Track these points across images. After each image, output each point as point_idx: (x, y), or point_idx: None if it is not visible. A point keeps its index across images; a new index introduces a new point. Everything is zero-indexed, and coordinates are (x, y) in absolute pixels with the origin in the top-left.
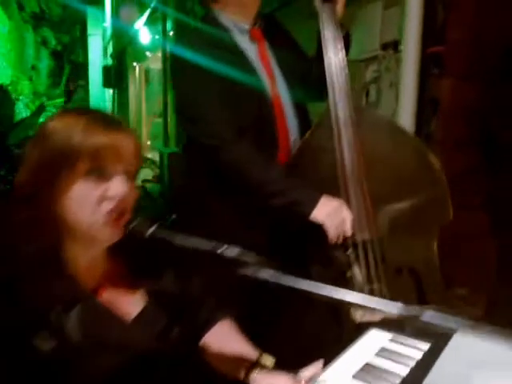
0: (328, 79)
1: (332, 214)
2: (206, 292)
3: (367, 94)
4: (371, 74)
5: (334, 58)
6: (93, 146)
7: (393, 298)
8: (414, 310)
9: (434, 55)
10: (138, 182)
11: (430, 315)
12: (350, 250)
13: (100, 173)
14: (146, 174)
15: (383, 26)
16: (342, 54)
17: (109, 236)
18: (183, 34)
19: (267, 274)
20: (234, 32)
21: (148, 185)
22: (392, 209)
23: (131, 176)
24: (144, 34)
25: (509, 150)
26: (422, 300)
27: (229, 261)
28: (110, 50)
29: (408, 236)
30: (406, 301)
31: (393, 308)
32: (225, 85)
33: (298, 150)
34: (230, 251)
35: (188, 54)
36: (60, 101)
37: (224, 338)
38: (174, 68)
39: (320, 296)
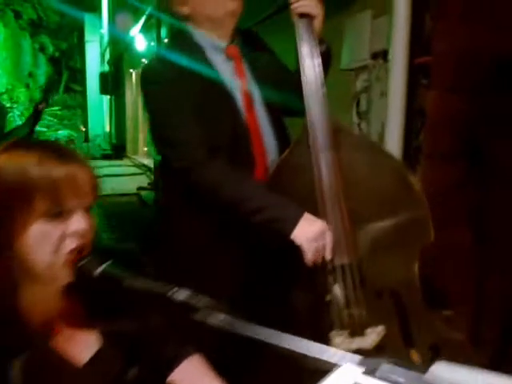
0: (305, 96)
1: (313, 236)
2: (166, 331)
3: (358, 104)
4: (362, 83)
5: (311, 74)
6: (50, 180)
7: (373, 322)
8: (371, 363)
9: (423, 66)
10: (134, 189)
11: (385, 370)
12: (328, 274)
13: (59, 209)
14: (142, 181)
15: (373, 36)
16: (319, 70)
17: (69, 275)
18: (155, 54)
19: (218, 319)
20: (208, 50)
21: (143, 192)
22: (371, 231)
23: (88, 210)
24: (140, 41)
25: (495, 164)
26: (404, 323)
27: (178, 304)
28: (107, 56)
29: (388, 258)
30: (387, 324)
31: (350, 360)
32: (197, 105)
33: (276, 170)
34: (180, 294)
35: (159, 73)
36: (56, 109)
37: (193, 375)
38: (145, 87)
39: (271, 345)
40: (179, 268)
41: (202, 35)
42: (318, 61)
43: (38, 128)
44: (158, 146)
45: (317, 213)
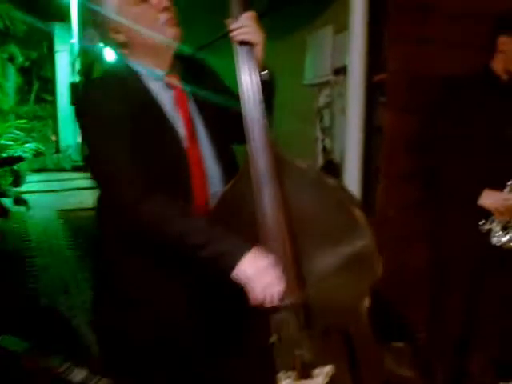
0: (245, 125)
1: (259, 272)
2: None
3: (321, 119)
4: (324, 98)
5: (251, 103)
6: None
7: (321, 362)
8: None
9: (381, 83)
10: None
11: None
12: (273, 314)
13: None
14: None
15: (334, 51)
16: (259, 98)
17: None
18: (89, 82)
19: None
20: (146, 79)
21: None
22: (317, 267)
23: None
24: (109, 51)
25: (449, 184)
26: (353, 362)
27: None
28: (77, 66)
29: (336, 295)
30: (336, 363)
31: None
32: (133, 136)
33: (218, 203)
34: (76, 375)
35: (92, 104)
36: (23, 122)
37: None
38: (78, 119)
39: None
40: (123, 312)
41: (140, 63)
42: (257, 88)
43: (3, 141)
44: (94, 180)
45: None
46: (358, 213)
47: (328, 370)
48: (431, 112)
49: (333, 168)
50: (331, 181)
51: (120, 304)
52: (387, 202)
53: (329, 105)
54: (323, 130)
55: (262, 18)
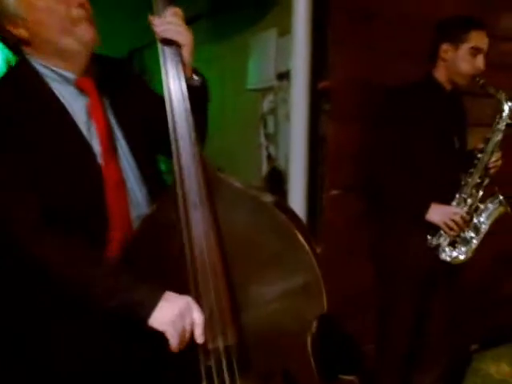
0: (171, 138)
1: (175, 319)
2: None
3: (265, 125)
4: (268, 104)
5: (177, 112)
6: None
7: None
8: None
9: (326, 91)
10: None
11: None
12: (201, 360)
13: None
14: None
15: (278, 55)
16: (186, 107)
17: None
18: None
19: None
20: (53, 83)
21: None
22: (255, 303)
23: None
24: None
25: (395, 197)
26: None
27: None
28: None
29: (276, 332)
30: None
31: None
32: (31, 153)
33: (138, 231)
34: None
35: None
36: None
37: None
38: None
39: None
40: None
41: (45, 64)
42: (185, 95)
43: None
44: None
45: (187, 289)
46: (302, 239)
47: None
48: (375, 122)
49: (277, 176)
50: (271, 202)
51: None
52: (333, 214)
53: (273, 111)
54: (267, 137)
55: (203, 20)
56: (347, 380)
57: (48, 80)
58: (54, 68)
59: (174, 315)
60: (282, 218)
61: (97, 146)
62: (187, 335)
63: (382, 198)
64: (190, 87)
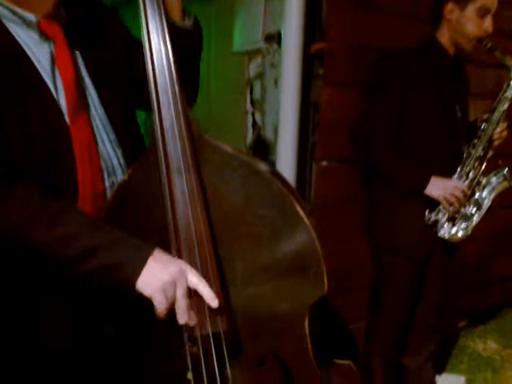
0: (152, 97)
1: (167, 284)
2: None
3: (251, 91)
4: (255, 68)
5: (160, 63)
6: None
7: None
8: None
9: (319, 54)
10: None
11: None
12: (187, 344)
13: None
14: None
15: (266, 15)
16: (172, 57)
17: None
18: None
19: None
20: (11, 25)
21: None
22: (248, 279)
23: None
24: None
25: (388, 172)
26: None
27: None
28: None
29: (271, 318)
30: None
31: None
32: None
33: (111, 202)
34: None
35: None
36: None
37: None
38: None
39: None
40: None
41: (5, 3)
42: (170, 44)
43: None
44: None
45: None
46: (302, 212)
47: None
48: (371, 88)
49: (263, 145)
50: (265, 167)
51: None
52: (324, 187)
53: (260, 75)
54: (253, 103)
55: None
56: (344, 365)
57: (6, 22)
58: (15, 8)
59: (164, 280)
60: (278, 188)
61: (62, 101)
62: (180, 303)
63: (377, 170)
64: (179, 30)
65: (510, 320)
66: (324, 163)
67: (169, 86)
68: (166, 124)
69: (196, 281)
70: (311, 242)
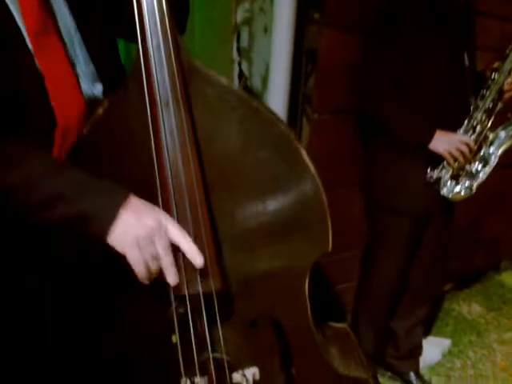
0: (137, 17)
1: (143, 236)
2: None
3: (238, 39)
4: (243, 13)
5: None
6: None
7: (244, 363)
8: None
9: None
10: None
11: None
12: (173, 305)
13: None
14: None
15: None
16: None
17: None
18: None
19: None
20: None
21: None
22: (244, 233)
23: None
24: None
25: (390, 125)
26: (287, 360)
27: None
28: None
29: (268, 277)
30: (263, 363)
31: None
32: None
33: (83, 139)
34: None
35: None
36: None
37: None
38: None
39: None
40: None
41: None
42: None
43: None
44: None
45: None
46: (307, 158)
47: (252, 373)
48: (373, 32)
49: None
50: (264, 105)
51: None
52: (318, 141)
53: (248, 21)
54: (240, 52)
55: None
56: (340, 328)
57: None
58: None
59: (137, 235)
60: (281, 129)
61: (22, 27)
62: (156, 263)
63: (378, 123)
64: None
65: (495, 283)
66: (316, 116)
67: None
68: (152, 44)
69: (177, 236)
70: (317, 192)
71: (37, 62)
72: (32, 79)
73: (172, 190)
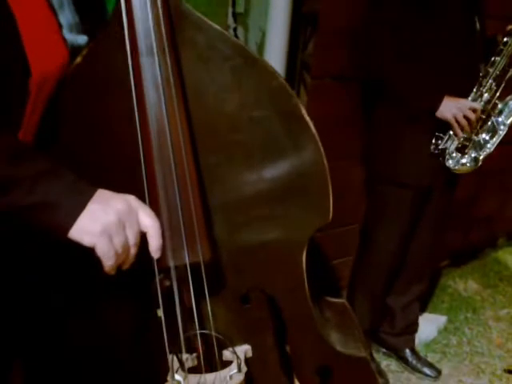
0: None
1: (110, 226)
2: None
3: (234, 4)
4: None
5: None
6: None
7: (235, 341)
8: None
9: None
10: None
11: None
12: (158, 277)
13: None
14: None
15: None
16: None
17: None
18: None
19: None
20: None
21: None
22: (236, 206)
23: None
24: None
25: (395, 91)
26: (281, 338)
27: None
28: None
29: (262, 248)
30: (256, 341)
31: None
32: None
33: (66, 84)
34: None
35: None
36: None
37: None
38: None
39: None
40: None
41: None
42: None
43: None
44: None
45: (135, 183)
46: (307, 116)
47: (244, 350)
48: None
49: None
50: (263, 59)
51: None
52: (317, 108)
53: None
54: (235, 17)
55: None
56: (338, 303)
57: None
58: None
59: (107, 222)
60: (280, 83)
61: None
62: (131, 251)
63: (381, 90)
64: None
65: (492, 260)
66: (317, 81)
67: None
68: None
69: (148, 223)
70: (317, 154)
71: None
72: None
73: (156, 150)
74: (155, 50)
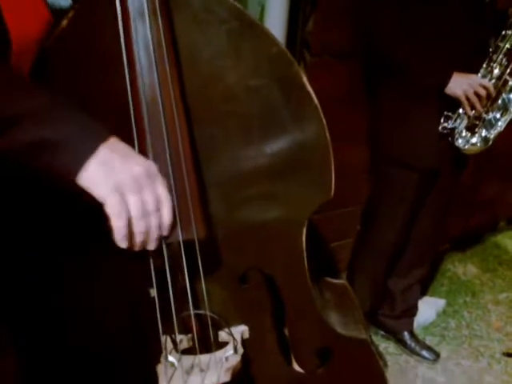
0: None
1: (127, 184)
2: None
3: None
4: None
5: None
6: None
7: (231, 321)
8: None
9: None
10: None
11: None
12: (150, 256)
13: None
14: None
15: None
16: None
17: None
18: None
19: None
20: None
21: None
22: (233, 182)
23: None
24: None
25: (401, 67)
26: (280, 319)
27: None
28: None
29: (261, 226)
30: (253, 321)
31: None
32: None
33: (51, 47)
34: None
35: None
36: None
37: None
38: None
39: None
40: None
41: None
42: None
43: None
44: None
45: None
46: (308, 85)
47: (241, 331)
48: None
49: None
50: (261, 25)
51: None
52: (317, 87)
53: None
54: None
55: None
56: (338, 284)
57: None
58: None
59: (124, 177)
60: (280, 50)
61: None
62: (140, 214)
63: (386, 67)
64: None
65: (492, 244)
66: (315, 59)
67: None
68: None
69: (165, 195)
70: (320, 128)
71: None
72: None
73: (147, 119)
74: (146, 12)
